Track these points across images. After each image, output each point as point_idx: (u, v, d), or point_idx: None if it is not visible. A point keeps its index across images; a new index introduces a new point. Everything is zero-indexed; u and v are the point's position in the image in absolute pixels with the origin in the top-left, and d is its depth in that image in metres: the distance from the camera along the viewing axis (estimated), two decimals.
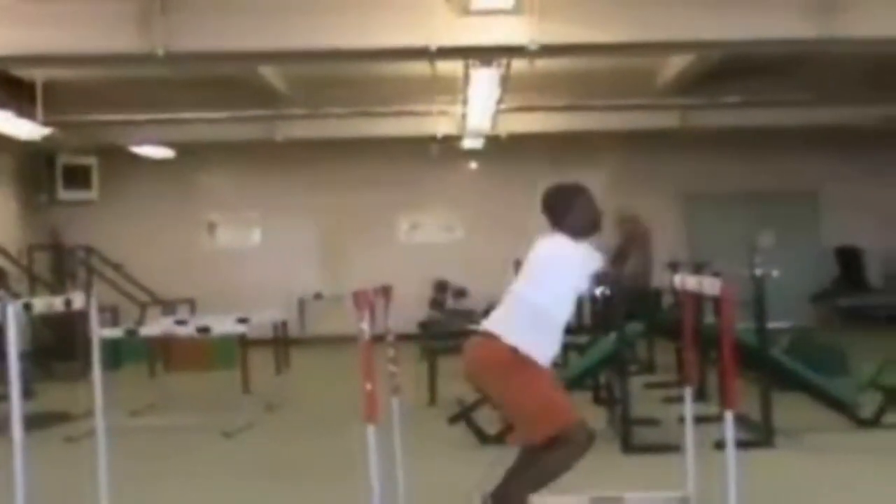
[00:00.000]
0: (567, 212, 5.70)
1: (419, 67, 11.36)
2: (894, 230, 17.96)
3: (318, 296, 17.80)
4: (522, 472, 5.44)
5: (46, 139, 13.98)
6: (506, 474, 5.48)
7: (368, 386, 5.04)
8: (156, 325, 11.28)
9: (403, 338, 6.08)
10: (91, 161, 17.09)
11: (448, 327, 14.58)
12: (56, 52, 9.10)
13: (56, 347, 13.90)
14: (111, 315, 14.46)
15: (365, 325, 5.06)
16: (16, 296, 10.76)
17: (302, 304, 17.74)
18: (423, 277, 17.41)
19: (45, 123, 13.41)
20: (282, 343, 13.43)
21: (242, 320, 10.29)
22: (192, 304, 15.86)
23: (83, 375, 12.74)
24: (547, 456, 5.33)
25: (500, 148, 16.61)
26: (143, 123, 14.93)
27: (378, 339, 5.19)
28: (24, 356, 5.21)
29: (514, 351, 5.37)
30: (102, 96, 13.98)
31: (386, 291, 5.87)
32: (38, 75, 13.03)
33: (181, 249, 18.12)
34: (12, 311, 5.17)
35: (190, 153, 17.37)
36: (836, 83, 13.84)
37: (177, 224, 18.27)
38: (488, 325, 5.54)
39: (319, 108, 14.74)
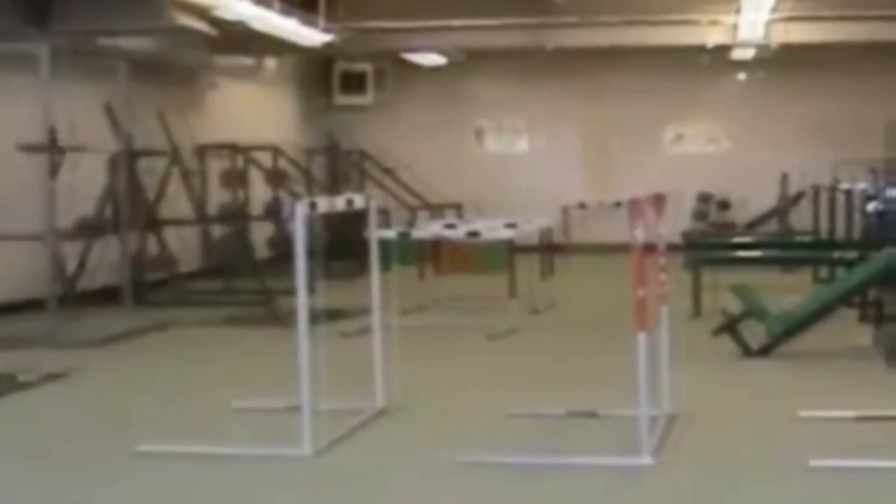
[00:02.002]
0: None
1: None
2: None
3: (582, 204, 17.85)
4: None
5: (326, 46, 14.44)
6: None
7: (640, 293, 5.10)
8: (427, 228, 11.57)
9: (669, 248, 6.10)
10: (367, 67, 17.56)
11: (712, 239, 14.45)
12: None
13: (332, 247, 14.45)
14: (383, 217, 14.91)
15: (639, 233, 5.11)
16: (297, 196, 11.24)
17: (566, 211, 17.84)
18: (686, 189, 17.23)
19: (326, 30, 13.86)
20: (547, 249, 13.59)
21: (510, 226, 10.45)
22: (459, 209, 16.18)
23: (357, 275, 13.34)
24: None
25: (771, 59, 16.21)
26: (418, 31, 15.21)
27: (648, 247, 5.24)
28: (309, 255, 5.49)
29: None
30: (380, 4, 14.32)
31: (658, 201, 5.89)
32: None
33: (450, 155, 18.47)
34: (300, 210, 5.45)
35: (461, 61, 17.60)
36: None
37: (446, 130, 18.61)
38: None
39: (589, 17, 14.70)
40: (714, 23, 14.68)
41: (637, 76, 17.86)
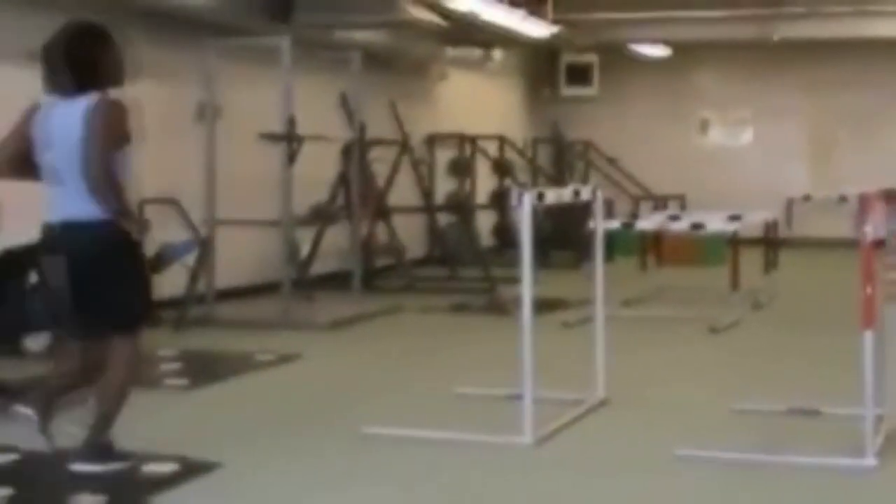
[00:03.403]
0: None
1: None
2: None
3: (806, 197, 17.53)
4: None
5: (552, 38, 14.58)
6: None
7: (868, 290, 5.06)
8: (650, 220, 11.58)
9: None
10: (592, 59, 17.61)
11: None
12: None
13: (553, 237, 14.60)
14: (606, 208, 14.95)
15: (869, 229, 5.07)
16: (521, 186, 11.42)
17: (790, 204, 17.54)
18: None
19: (552, 22, 13.99)
20: (771, 243, 13.41)
21: (735, 218, 10.37)
22: (682, 201, 16.11)
23: (577, 265, 13.45)
24: None
25: None
26: (643, 22, 15.21)
27: (877, 244, 5.19)
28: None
29: None
30: None
31: (890, 196, 5.80)
32: None
33: (674, 146, 18.37)
34: (527, 199, 5.59)
35: (686, 52, 17.49)
36: None
37: (670, 121, 18.51)
38: None
39: (818, 7, 14.42)
40: None
41: (864, 67, 17.39)
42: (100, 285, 5.03)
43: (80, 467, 5.06)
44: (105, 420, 5.16)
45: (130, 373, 5.22)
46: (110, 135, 5.00)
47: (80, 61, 5.05)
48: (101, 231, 5.00)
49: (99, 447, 5.14)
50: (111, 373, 5.14)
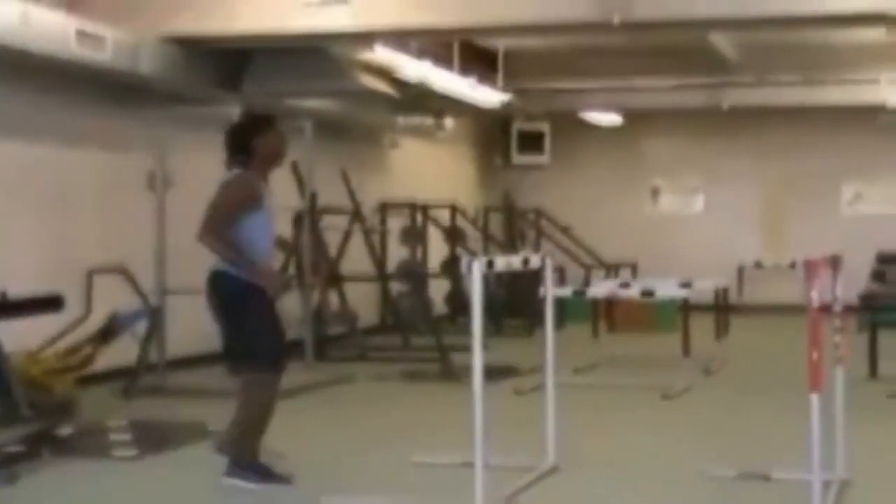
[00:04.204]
0: None
1: (872, 34, 11.09)
2: None
3: (758, 264, 17.72)
4: None
5: (503, 106, 14.70)
6: None
7: (815, 354, 5.11)
8: (602, 287, 11.66)
9: (845, 309, 6.07)
10: (544, 126, 17.78)
11: (891, 301, 14.10)
12: (518, 22, 9.63)
13: (506, 304, 14.64)
14: (558, 275, 15.03)
15: (814, 294, 5.13)
16: (473, 254, 11.45)
17: (741, 271, 17.70)
18: (864, 249, 16.87)
19: (504, 90, 14.12)
20: (722, 309, 13.52)
21: (685, 285, 10.47)
22: (634, 268, 16.21)
23: (530, 332, 13.48)
24: None
25: None
26: (594, 91, 15.39)
27: (823, 309, 5.24)
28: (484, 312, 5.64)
29: None
30: (557, 64, 14.53)
31: (835, 262, 5.88)
32: (500, 44, 13.74)
33: (625, 213, 18.52)
34: (477, 267, 5.61)
35: (637, 119, 17.69)
36: None
37: (622, 188, 18.68)
38: None
39: (767, 76, 14.66)
40: (893, 82, 14.46)
41: (814, 135, 17.67)
42: (225, 327, 6.12)
43: (239, 483, 5.99)
44: (246, 440, 6.03)
45: (255, 409, 6.02)
46: (223, 202, 6.07)
47: (236, 145, 6.19)
48: (218, 280, 6.08)
49: (251, 466, 6.01)
50: (237, 409, 6.04)
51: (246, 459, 6.05)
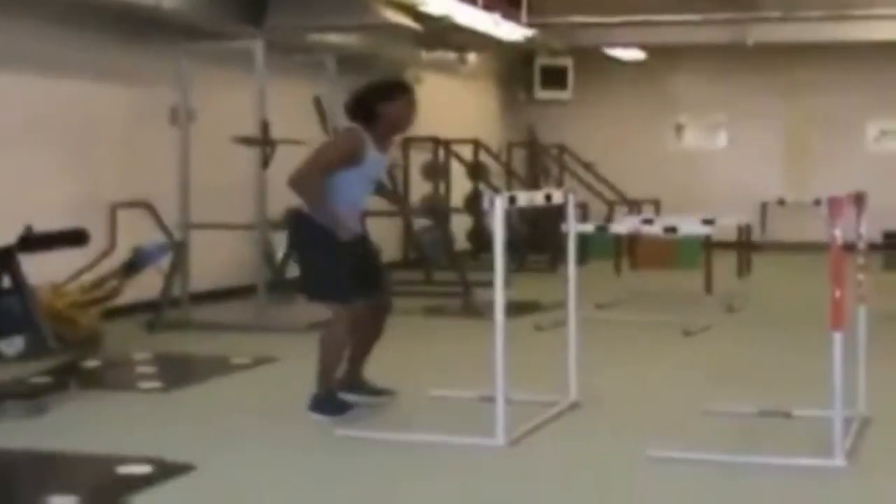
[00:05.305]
0: None
1: None
2: None
3: (781, 201, 17.65)
4: None
5: (527, 41, 14.62)
6: None
7: (837, 293, 5.12)
8: (624, 223, 11.62)
9: (869, 247, 6.06)
10: (567, 62, 17.68)
11: None
12: None
13: (529, 240, 14.64)
14: (581, 212, 15.02)
15: (838, 232, 5.12)
16: (496, 190, 11.44)
17: (764, 208, 17.64)
18: (889, 186, 16.78)
19: (527, 25, 14.03)
20: (745, 246, 13.49)
21: (708, 221, 10.40)
22: (656, 205, 16.17)
23: (553, 268, 13.50)
24: None
25: None
26: (618, 25, 15.28)
27: (847, 246, 5.24)
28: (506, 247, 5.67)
29: None
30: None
31: (859, 199, 5.86)
32: None
33: (649, 150, 18.46)
34: (500, 203, 5.62)
35: (661, 56, 17.57)
36: None
37: (645, 125, 18.59)
38: None
39: (792, 12, 14.53)
40: None
41: (839, 71, 17.54)
42: (300, 264, 6.58)
43: (317, 417, 6.17)
44: (323, 374, 6.26)
45: (327, 344, 6.28)
46: (325, 152, 6.38)
47: (357, 112, 6.36)
48: (296, 220, 6.33)
49: (327, 399, 6.21)
50: (321, 336, 6.34)
51: (321, 392, 6.25)
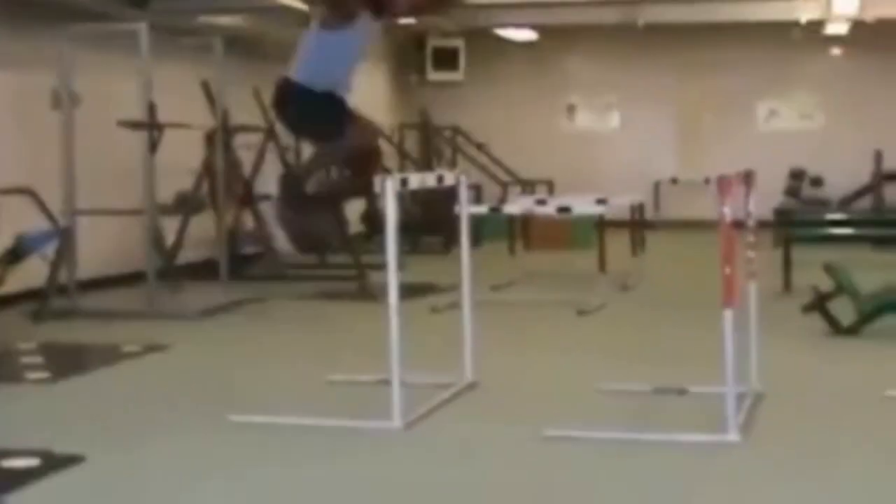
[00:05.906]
0: None
1: None
2: None
3: (674, 180, 17.84)
4: None
5: (418, 22, 14.56)
6: None
7: (727, 270, 5.15)
8: (517, 204, 11.66)
9: (758, 225, 6.12)
10: (459, 43, 17.67)
11: (803, 216, 14.34)
12: None
13: (422, 222, 14.60)
14: (474, 193, 15.03)
15: (727, 210, 5.16)
16: (388, 172, 11.36)
17: (657, 187, 17.82)
18: (779, 165, 17.08)
19: None
20: (638, 225, 13.60)
21: (601, 201, 10.49)
22: (550, 185, 16.24)
23: (447, 250, 13.47)
24: None
25: (866, 34, 16.01)
26: (509, 7, 15.29)
27: (737, 224, 5.27)
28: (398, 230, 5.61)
29: None
30: None
31: (748, 177, 5.92)
32: None
33: (542, 131, 18.52)
34: (390, 185, 5.56)
35: (552, 36, 17.63)
36: None
37: (538, 106, 18.65)
38: None
39: None
40: None
41: (729, 52, 17.76)
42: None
43: None
44: None
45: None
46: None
47: None
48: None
49: None
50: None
51: None
